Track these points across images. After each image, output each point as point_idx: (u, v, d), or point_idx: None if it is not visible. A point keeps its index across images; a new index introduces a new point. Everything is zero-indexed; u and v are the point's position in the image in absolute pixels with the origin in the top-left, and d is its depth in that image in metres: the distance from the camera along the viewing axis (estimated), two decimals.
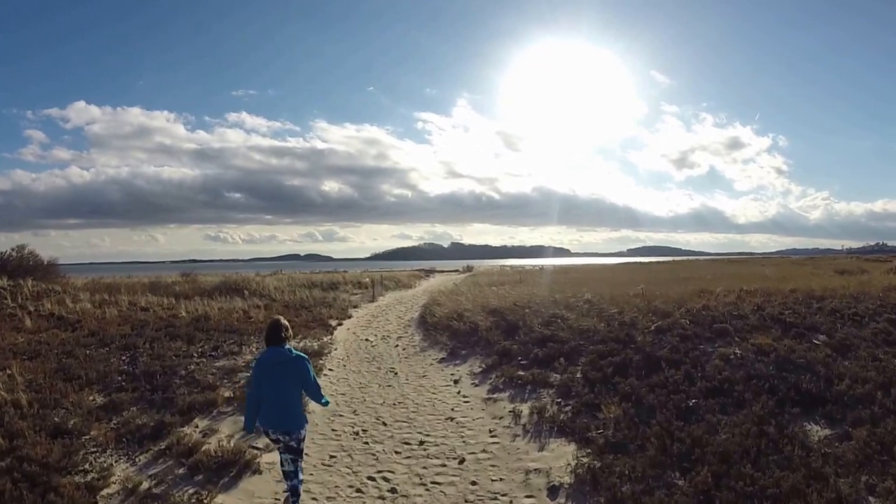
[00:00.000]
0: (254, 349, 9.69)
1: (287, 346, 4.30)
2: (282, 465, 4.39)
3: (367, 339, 11.61)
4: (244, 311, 13.69)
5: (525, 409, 6.82)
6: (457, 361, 9.40)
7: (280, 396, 4.13)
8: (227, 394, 7.38)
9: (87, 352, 9.56)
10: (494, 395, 7.48)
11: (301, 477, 4.39)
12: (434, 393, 7.80)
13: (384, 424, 6.60)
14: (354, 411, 7.07)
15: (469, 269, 48.83)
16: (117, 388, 7.82)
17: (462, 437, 6.20)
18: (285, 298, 17.83)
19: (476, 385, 8.04)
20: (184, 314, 12.42)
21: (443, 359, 9.68)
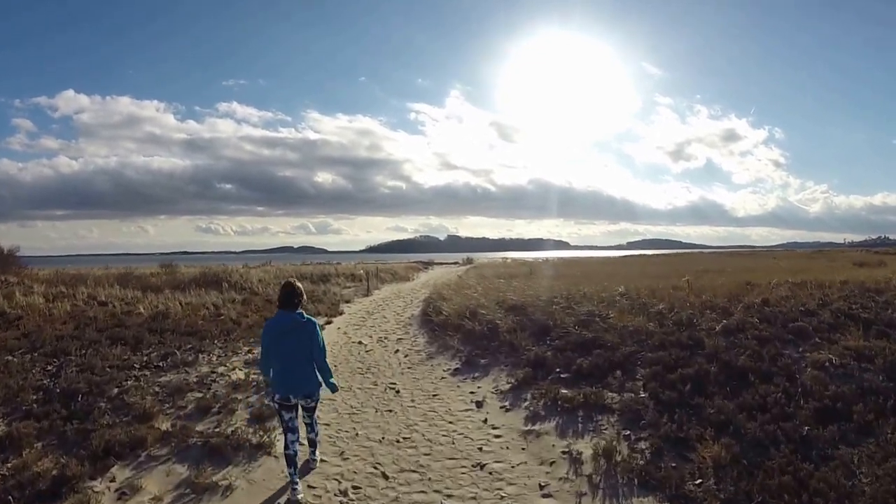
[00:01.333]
0: (214, 358, 7.64)
1: (299, 311, 4.21)
2: (287, 447, 4.17)
3: (360, 342, 9.55)
4: (215, 306, 11.59)
5: (585, 448, 4.82)
6: (475, 374, 7.36)
7: (298, 362, 4.10)
8: (165, 426, 5.33)
9: (10, 358, 7.51)
10: (536, 427, 5.44)
11: (318, 429, 4.61)
12: (451, 422, 5.74)
13: (384, 477, 4.51)
14: (342, 453, 4.97)
15: (470, 261, 46.78)
16: (24, 414, 5.80)
17: (501, 497, 4.18)
18: (268, 292, 15.76)
19: (507, 409, 6.00)
20: (142, 310, 10.33)
21: (457, 370, 7.64)
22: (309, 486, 4.32)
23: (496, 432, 5.41)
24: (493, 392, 6.57)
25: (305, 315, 4.23)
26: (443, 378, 7.36)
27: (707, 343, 6.73)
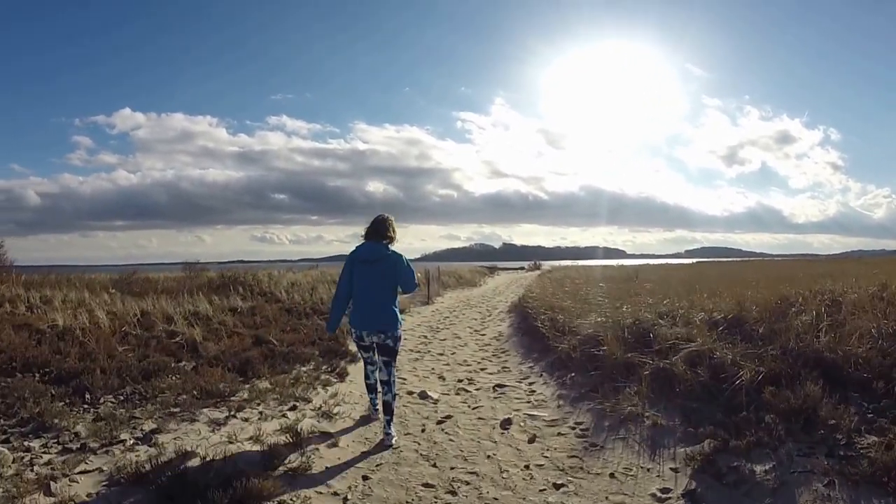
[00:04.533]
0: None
1: (384, 244, 3.71)
2: (367, 377, 3.96)
3: (424, 395, 4.82)
4: (168, 320, 7.31)
5: None
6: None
7: (377, 295, 3.66)
8: None
9: None
10: None
11: (395, 391, 3.78)
12: None
13: None
14: None
15: (538, 266, 42.00)
16: None
17: None
18: (295, 298, 11.54)
19: None
20: (59, 321, 6.12)
21: (689, 495, 2.76)
22: None
23: None
24: None
25: (391, 248, 3.72)
26: None
27: None
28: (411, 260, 3.77)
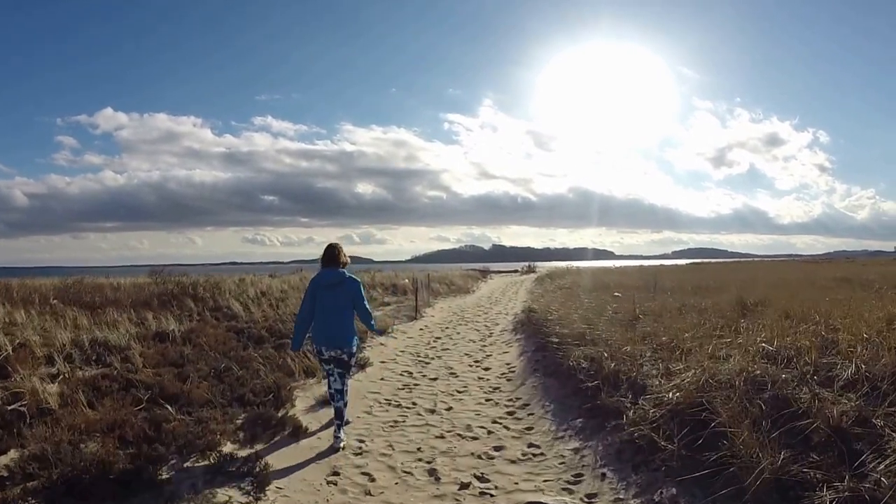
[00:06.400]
0: None
1: (341, 270, 4.22)
2: (329, 386, 4.21)
3: None
4: (48, 359, 5.14)
5: None
6: None
7: (335, 315, 4.10)
8: None
9: None
10: None
11: (347, 399, 4.20)
12: None
13: None
14: None
15: (532, 269, 39.95)
16: None
17: None
18: (253, 315, 9.44)
19: None
20: None
21: None
22: None
23: None
24: None
25: (348, 273, 4.25)
26: None
27: None
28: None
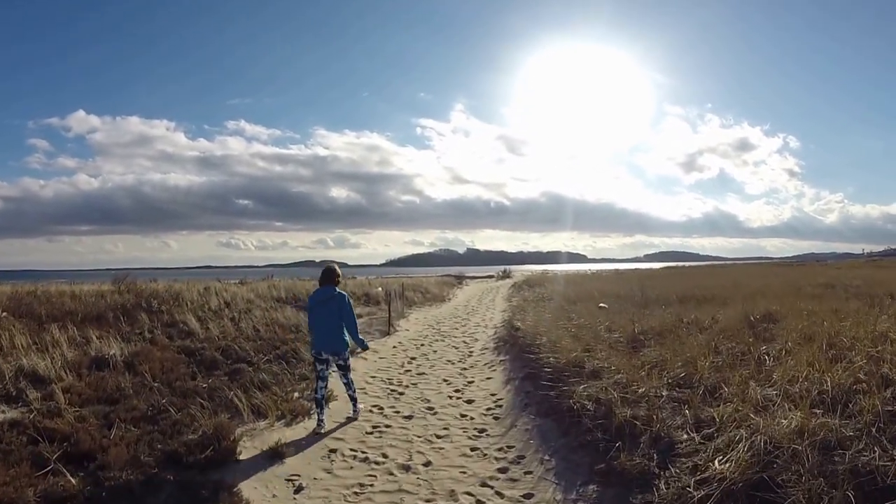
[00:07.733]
0: None
1: (334, 287, 4.97)
2: (316, 391, 4.87)
3: None
4: None
5: None
6: None
7: (328, 325, 4.85)
8: None
9: None
10: None
11: (353, 390, 5.17)
12: None
13: None
14: None
15: (507, 274, 39.36)
16: None
17: None
18: (211, 331, 8.46)
19: None
20: None
21: None
22: None
23: None
24: None
25: (338, 290, 4.98)
26: None
27: None
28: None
